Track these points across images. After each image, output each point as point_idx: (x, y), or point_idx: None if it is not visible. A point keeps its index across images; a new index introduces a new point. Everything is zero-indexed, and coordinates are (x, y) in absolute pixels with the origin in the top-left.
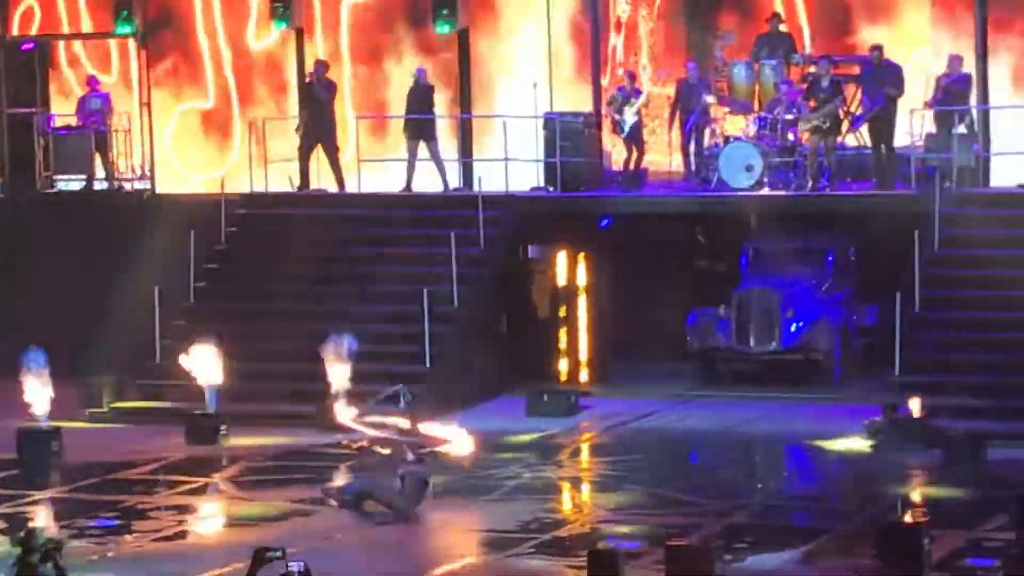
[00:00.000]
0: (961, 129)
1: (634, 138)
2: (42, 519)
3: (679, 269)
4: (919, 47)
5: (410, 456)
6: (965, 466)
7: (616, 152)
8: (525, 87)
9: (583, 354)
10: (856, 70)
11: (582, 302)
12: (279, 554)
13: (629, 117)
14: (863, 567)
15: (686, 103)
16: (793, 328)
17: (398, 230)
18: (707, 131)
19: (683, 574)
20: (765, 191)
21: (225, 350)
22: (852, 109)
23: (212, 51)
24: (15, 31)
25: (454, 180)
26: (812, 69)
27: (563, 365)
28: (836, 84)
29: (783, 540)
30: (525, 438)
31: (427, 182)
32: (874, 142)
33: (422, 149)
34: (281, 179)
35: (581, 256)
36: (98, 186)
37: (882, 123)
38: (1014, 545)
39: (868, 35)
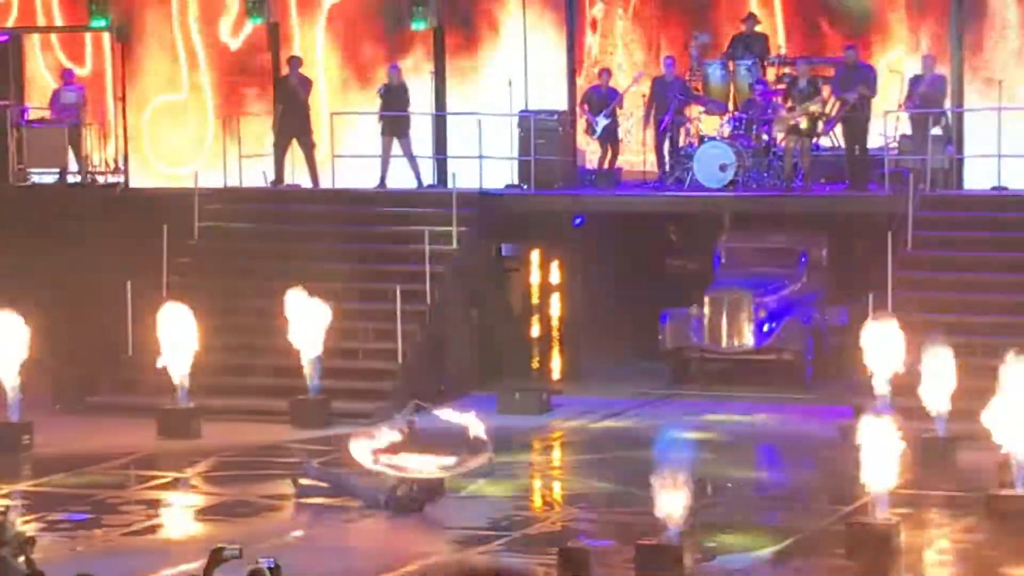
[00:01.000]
0: (936, 131)
1: (609, 137)
2: (12, 513)
3: (652, 268)
4: (893, 48)
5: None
6: (936, 467)
7: (591, 151)
8: (500, 84)
9: (555, 352)
10: (831, 71)
11: (555, 300)
12: (236, 553)
13: (602, 120)
14: (834, 567)
15: (661, 102)
16: (765, 328)
17: (371, 226)
18: (682, 131)
19: (653, 572)
20: (739, 191)
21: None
22: (827, 111)
23: (187, 45)
24: None
25: (428, 177)
26: (788, 70)
27: (535, 363)
28: (814, 85)
29: (754, 539)
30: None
31: (401, 179)
32: (848, 143)
33: (396, 146)
34: (255, 174)
35: (554, 254)
36: (71, 180)
37: (856, 124)
38: (984, 546)
39: (842, 36)
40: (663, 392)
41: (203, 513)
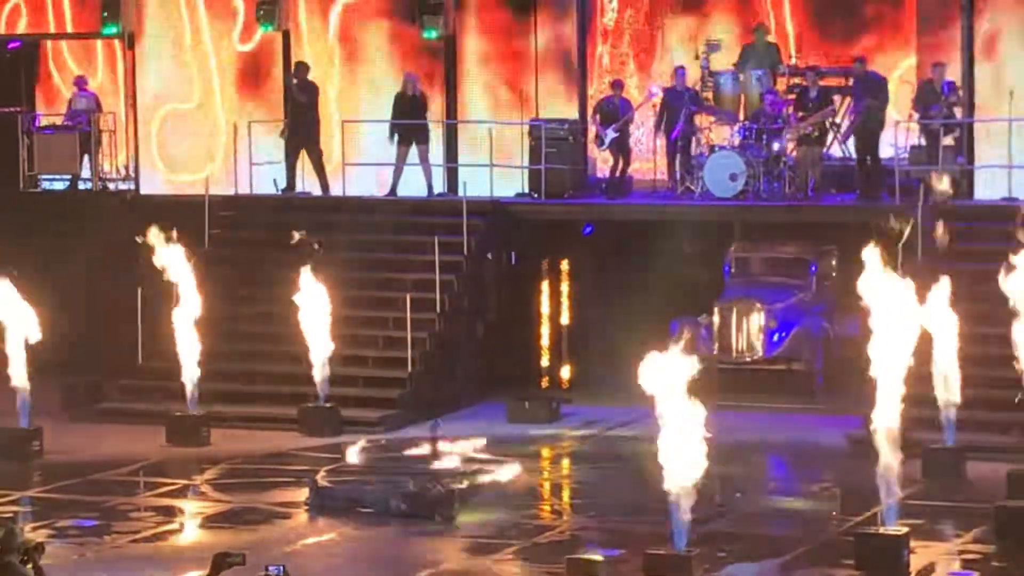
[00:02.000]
0: (948, 141)
1: (620, 148)
2: (22, 520)
3: (662, 277)
4: (905, 58)
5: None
6: (945, 478)
7: (601, 160)
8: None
9: (565, 361)
10: (843, 81)
11: (564, 309)
12: (239, 560)
13: (611, 133)
14: None
15: (672, 111)
16: (775, 338)
17: (382, 235)
18: (693, 140)
19: None
20: (749, 201)
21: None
22: (839, 121)
23: (197, 52)
24: (2, 30)
25: (439, 185)
26: (798, 80)
27: (545, 372)
28: (824, 95)
29: (762, 549)
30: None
31: (412, 187)
32: (859, 153)
33: (412, 154)
34: (266, 181)
35: (564, 263)
36: (82, 186)
37: (867, 134)
38: (993, 557)
39: (854, 46)
40: None
41: (212, 520)
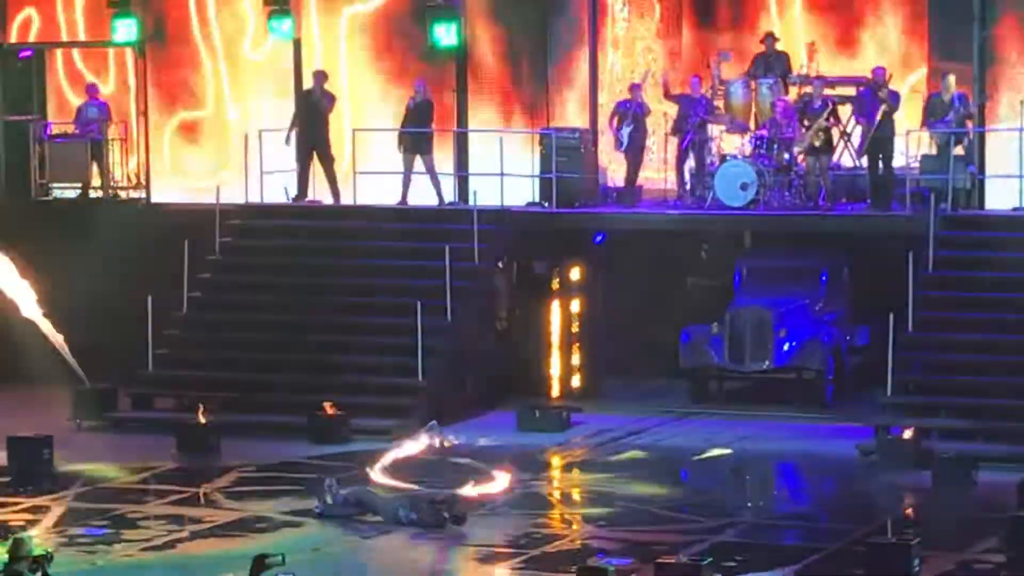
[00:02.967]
0: (958, 151)
1: (633, 149)
2: (31, 527)
3: (672, 286)
4: (915, 69)
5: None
6: (955, 488)
7: (612, 169)
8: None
9: (575, 370)
10: (852, 91)
11: (575, 318)
12: (280, 560)
13: (626, 129)
14: None
15: (683, 120)
16: (786, 347)
17: (392, 243)
18: (704, 149)
19: None
20: (760, 210)
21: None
22: (848, 130)
23: (209, 60)
24: (14, 38)
25: (450, 194)
26: (809, 89)
27: (555, 381)
28: (828, 104)
29: (773, 558)
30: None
31: (423, 196)
32: (870, 163)
33: (418, 163)
34: (276, 190)
35: (575, 272)
36: (93, 195)
37: (879, 143)
38: (1004, 567)
39: (865, 57)
40: (684, 411)
41: (222, 529)
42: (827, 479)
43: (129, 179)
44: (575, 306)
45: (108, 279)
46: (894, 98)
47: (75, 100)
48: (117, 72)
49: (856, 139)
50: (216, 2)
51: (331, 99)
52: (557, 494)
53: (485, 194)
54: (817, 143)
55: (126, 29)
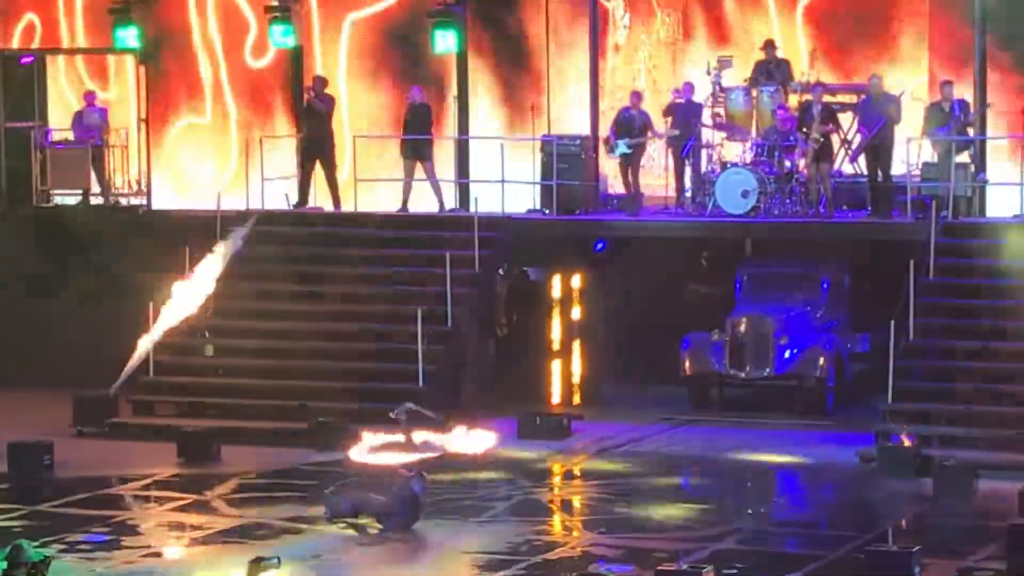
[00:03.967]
0: (963, 158)
1: (629, 162)
2: (31, 534)
3: (673, 293)
4: (916, 76)
5: (403, 473)
6: (956, 495)
7: (613, 176)
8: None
9: (576, 377)
10: (853, 99)
11: (576, 325)
12: (275, 562)
13: (621, 146)
14: None
15: (683, 127)
16: (787, 354)
17: (393, 249)
18: (704, 156)
19: None
20: (761, 217)
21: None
22: (849, 138)
23: (210, 67)
24: (15, 45)
25: (450, 201)
26: (809, 97)
27: (556, 388)
28: (827, 111)
29: (773, 566)
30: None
31: (423, 202)
32: (871, 170)
33: (418, 169)
34: (277, 197)
35: (575, 279)
36: (94, 201)
37: (879, 151)
38: (1004, 575)
39: (865, 64)
40: (684, 418)
41: (223, 535)
42: (827, 487)
43: (130, 186)
44: (575, 313)
45: (109, 286)
46: (898, 107)
47: (76, 107)
48: (118, 79)
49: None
50: (217, 9)
51: (331, 103)
52: (558, 501)
53: (486, 201)
54: (816, 148)
55: (127, 36)
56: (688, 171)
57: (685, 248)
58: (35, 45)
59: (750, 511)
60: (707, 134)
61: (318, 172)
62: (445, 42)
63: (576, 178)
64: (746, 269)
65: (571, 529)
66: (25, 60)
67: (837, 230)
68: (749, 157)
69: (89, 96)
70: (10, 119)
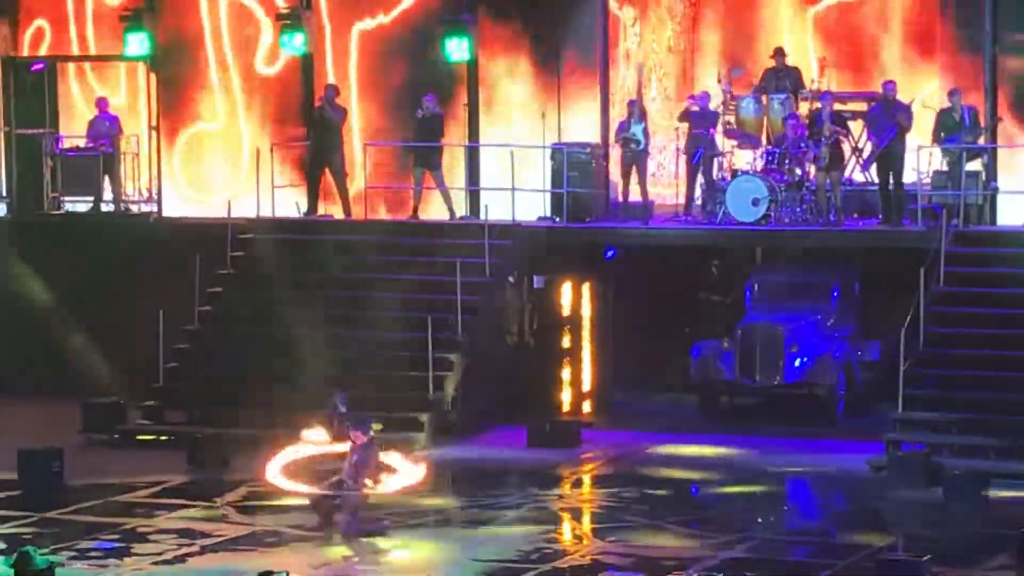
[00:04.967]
0: (974, 166)
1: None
2: (40, 541)
3: (683, 301)
4: (926, 84)
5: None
6: (966, 504)
7: (623, 184)
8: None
9: (586, 385)
10: (863, 107)
11: (586, 333)
12: None
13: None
14: None
15: (693, 136)
16: (797, 363)
17: (404, 257)
18: (715, 164)
19: None
20: (771, 225)
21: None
22: (860, 146)
23: (221, 74)
24: (25, 52)
25: (461, 209)
26: (819, 105)
27: (566, 396)
28: (836, 119)
29: (783, 574)
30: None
31: (434, 210)
32: (881, 178)
33: (430, 178)
34: (288, 204)
35: (586, 286)
36: (105, 208)
37: (890, 159)
38: None
39: (875, 73)
40: (694, 426)
41: (233, 543)
42: (838, 495)
43: (141, 193)
44: (586, 321)
45: (119, 292)
46: (908, 116)
47: (87, 114)
48: (128, 86)
49: (867, 154)
50: (228, 17)
51: (342, 113)
52: (568, 509)
53: (496, 208)
54: (826, 158)
55: (138, 43)
56: (699, 179)
57: (695, 256)
58: (45, 51)
59: (760, 519)
60: (717, 141)
61: (327, 181)
62: (456, 50)
63: (586, 186)
64: (756, 277)
65: (581, 537)
66: (36, 67)
67: (847, 238)
68: (760, 165)
69: (101, 102)
70: (20, 126)
